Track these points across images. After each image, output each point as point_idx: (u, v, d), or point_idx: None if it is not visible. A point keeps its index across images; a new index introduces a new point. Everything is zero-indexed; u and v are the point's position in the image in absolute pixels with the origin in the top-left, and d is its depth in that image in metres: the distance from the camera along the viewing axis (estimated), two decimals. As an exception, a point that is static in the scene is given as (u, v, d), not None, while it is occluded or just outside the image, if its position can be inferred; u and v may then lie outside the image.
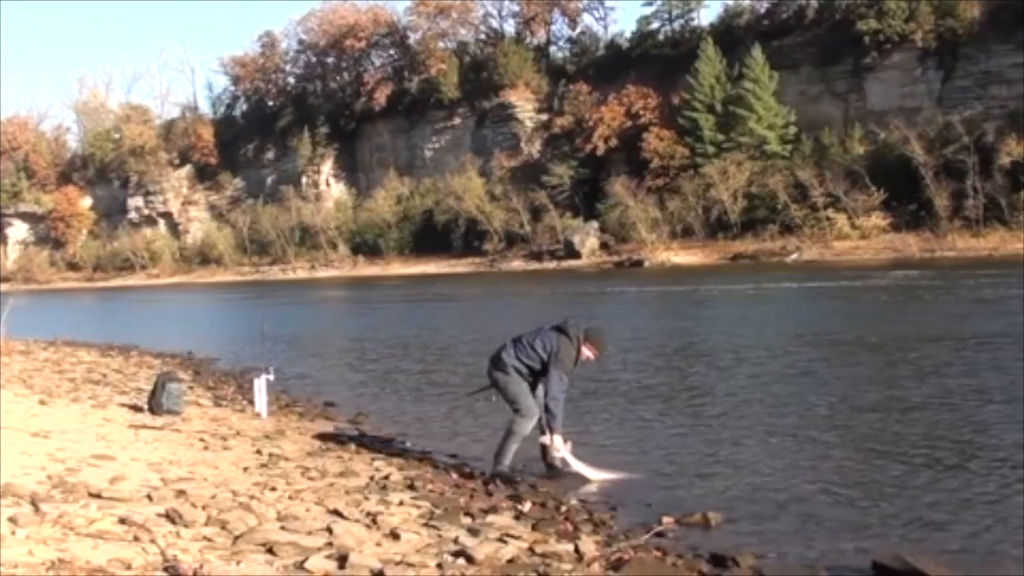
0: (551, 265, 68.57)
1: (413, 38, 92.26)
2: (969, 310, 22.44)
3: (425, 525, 6.19)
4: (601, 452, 8.38)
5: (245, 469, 7.86)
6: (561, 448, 7.80)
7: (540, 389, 7.90)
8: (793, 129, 66.97)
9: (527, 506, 6.84)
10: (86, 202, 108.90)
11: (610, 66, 79.72)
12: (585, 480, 7.72)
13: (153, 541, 5.23)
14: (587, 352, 7.92)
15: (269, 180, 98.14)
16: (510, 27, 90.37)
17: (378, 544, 5.67)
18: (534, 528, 6.26)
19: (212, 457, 8.37)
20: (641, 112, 72.38)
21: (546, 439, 7.84)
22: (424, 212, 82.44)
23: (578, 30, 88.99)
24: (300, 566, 5.04)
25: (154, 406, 10.60)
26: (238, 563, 5.04)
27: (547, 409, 7.74)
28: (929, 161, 56.88)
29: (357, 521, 6.17)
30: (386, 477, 7.70)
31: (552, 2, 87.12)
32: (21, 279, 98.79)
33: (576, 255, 68.78)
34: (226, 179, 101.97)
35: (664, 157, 69.30)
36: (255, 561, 5.12)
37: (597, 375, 12.19)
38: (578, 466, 7.82)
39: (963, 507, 6.61)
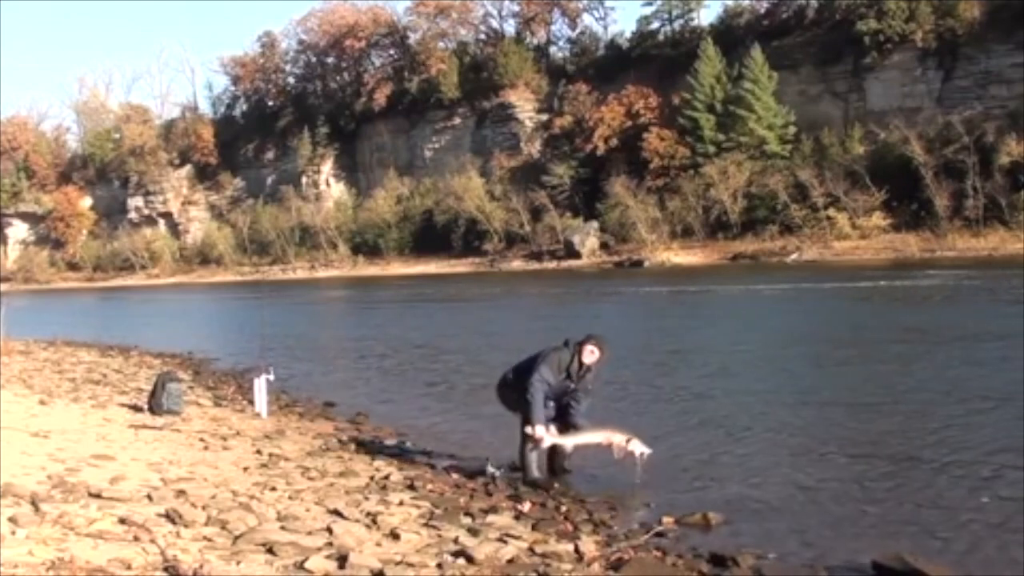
0: (551, 265, 68.52)
1: (413, 38, 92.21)
2: (980, 310, 22.42)
3: (425, 525, 6.19)
4: (601, 452, 8.37)
5: (245, 469, 7.86)
6: (545, 436, 7.73)
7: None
8: (793, 129, 66.87)
9: (527, 506, 6.85)
10: (86, 202, 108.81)
11: (610, 66, 79.65)
12: (585, 480, 7.71)
13: (153, 541, 5.23)
14: (588, 354, 7.95)
15: (269, 180, 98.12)
16: (510, 27, 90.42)
17: (378, 544, 5.67)
18: (534, 528, 6.26)
19: (212, 457, 8.36)
20: (641, 112, 72.32)
21: (528, 429, 7.78)
22: (424, 212, 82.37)
23: (578, 30, 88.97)
24: (300, 566, 5.04)
25: (154, 406, 10.60)
26: (238, 563, 5.04)
27: (525, 400, 7.76)
28: (929, 161, 56.81)
29: (357, 521, 6.17)
30: (386, 477, 7.70)
31: (552, 2, 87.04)
32: (21, 279, 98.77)
33: (576, 255, 68.74)
34: (226, 179, 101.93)
35: (664, 157, 69.23)
36: (255, 561, 5.12)
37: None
38: (571, 440, 7.84)
39: (963, 507, 6.60)
